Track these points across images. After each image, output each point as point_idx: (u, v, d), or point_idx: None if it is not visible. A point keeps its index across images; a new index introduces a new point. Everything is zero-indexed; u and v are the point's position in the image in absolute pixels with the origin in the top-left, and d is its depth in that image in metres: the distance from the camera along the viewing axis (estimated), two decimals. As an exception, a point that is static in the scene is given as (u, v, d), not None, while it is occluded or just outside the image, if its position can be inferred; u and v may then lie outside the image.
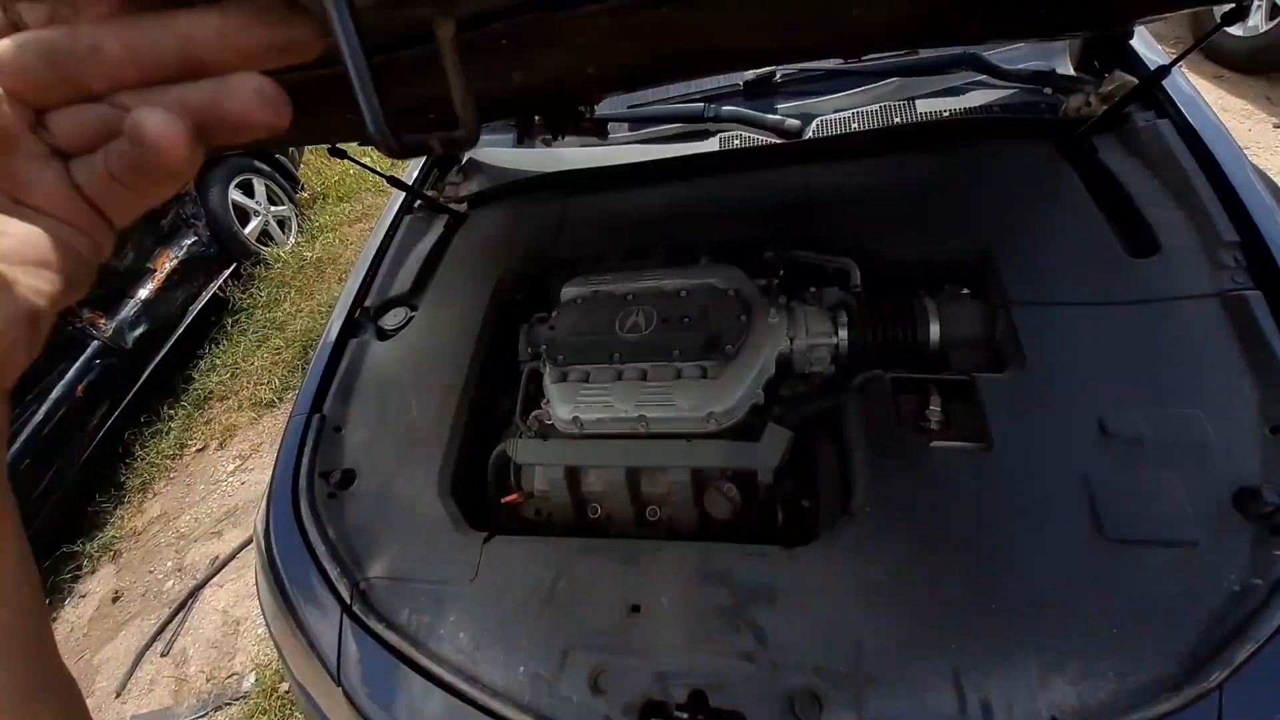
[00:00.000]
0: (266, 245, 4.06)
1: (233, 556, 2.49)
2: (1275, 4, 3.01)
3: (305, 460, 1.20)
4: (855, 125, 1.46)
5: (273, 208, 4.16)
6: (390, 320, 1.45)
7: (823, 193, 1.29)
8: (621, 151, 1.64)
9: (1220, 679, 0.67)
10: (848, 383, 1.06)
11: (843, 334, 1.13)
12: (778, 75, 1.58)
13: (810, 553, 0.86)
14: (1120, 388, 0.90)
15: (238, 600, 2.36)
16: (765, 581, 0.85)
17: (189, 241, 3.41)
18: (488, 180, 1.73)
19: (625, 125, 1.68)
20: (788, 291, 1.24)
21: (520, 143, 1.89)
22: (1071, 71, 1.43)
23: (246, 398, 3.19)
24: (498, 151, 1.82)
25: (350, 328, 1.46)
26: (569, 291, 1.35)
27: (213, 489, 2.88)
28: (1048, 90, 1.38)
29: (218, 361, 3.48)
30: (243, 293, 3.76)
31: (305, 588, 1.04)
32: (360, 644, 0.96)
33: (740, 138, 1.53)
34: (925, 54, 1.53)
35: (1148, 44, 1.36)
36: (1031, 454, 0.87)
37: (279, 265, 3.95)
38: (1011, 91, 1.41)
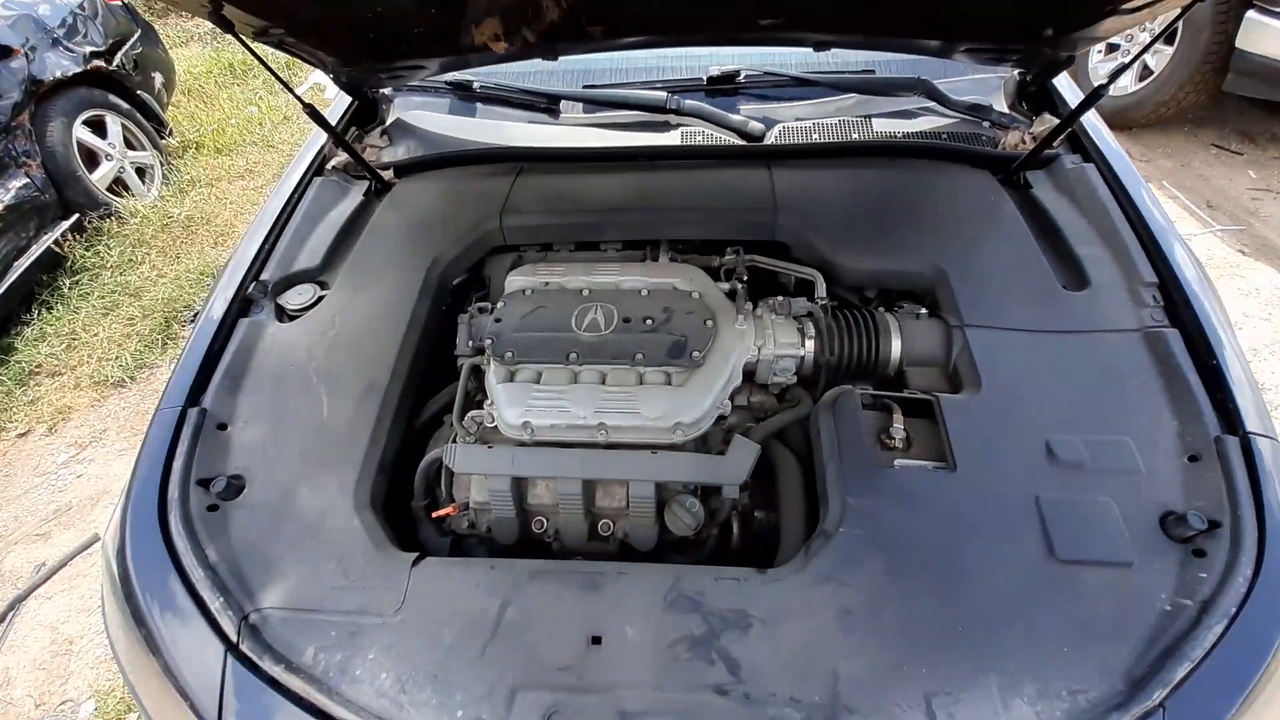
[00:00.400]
0: (121, 196, 3.43)
1: (64, 564, 2.06)
2: (1147, 66, 3.48)
3: (178, 463, 0.97)
4: (816, 135, 1.45)
5: (131, 153, 3.53)
6: (294, 299, 1.23)
7: (787, 200, 1.26)
8: (574, 133, 1.52)
9: (1162, 698, 0.70)
10: (817, 396, 1.04)
11: (809, 345, 1.11)
12: (741, 75, 1.53)
13: (786, 577, 0.82)
14: (1062, 413, 0.94)
15: (69, 615, 1.95)
16: (740, 608, 0.79)
17: (17, 184, 2.79)
18: (419, 147, 1.54)
19: (579, 107, 1.56)
20: (755, 295, 1.20)
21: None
22: (1006, 109, 1.52)
23: (86, 375, 2.66)
24: (431, 116, 1.62)
25: (241, 304, 1.22)
26: (516, 281, 1.22)
27: (38, 482, 2.37)
28: (987, 124, 1.45)
29: (49, 329, 2.88)
30: (87, 250, 3.14)
31: (175, 622, 0.84)
32: (249, 691, 0.79)
33: (702, 134, 1.47)
34: (882, 75, 1.56)
35: (1072, 91, 1.48)
36: (990, 476, 0.89)
37: (137, 221, 3.36)
38: (956, 120, 1.47)
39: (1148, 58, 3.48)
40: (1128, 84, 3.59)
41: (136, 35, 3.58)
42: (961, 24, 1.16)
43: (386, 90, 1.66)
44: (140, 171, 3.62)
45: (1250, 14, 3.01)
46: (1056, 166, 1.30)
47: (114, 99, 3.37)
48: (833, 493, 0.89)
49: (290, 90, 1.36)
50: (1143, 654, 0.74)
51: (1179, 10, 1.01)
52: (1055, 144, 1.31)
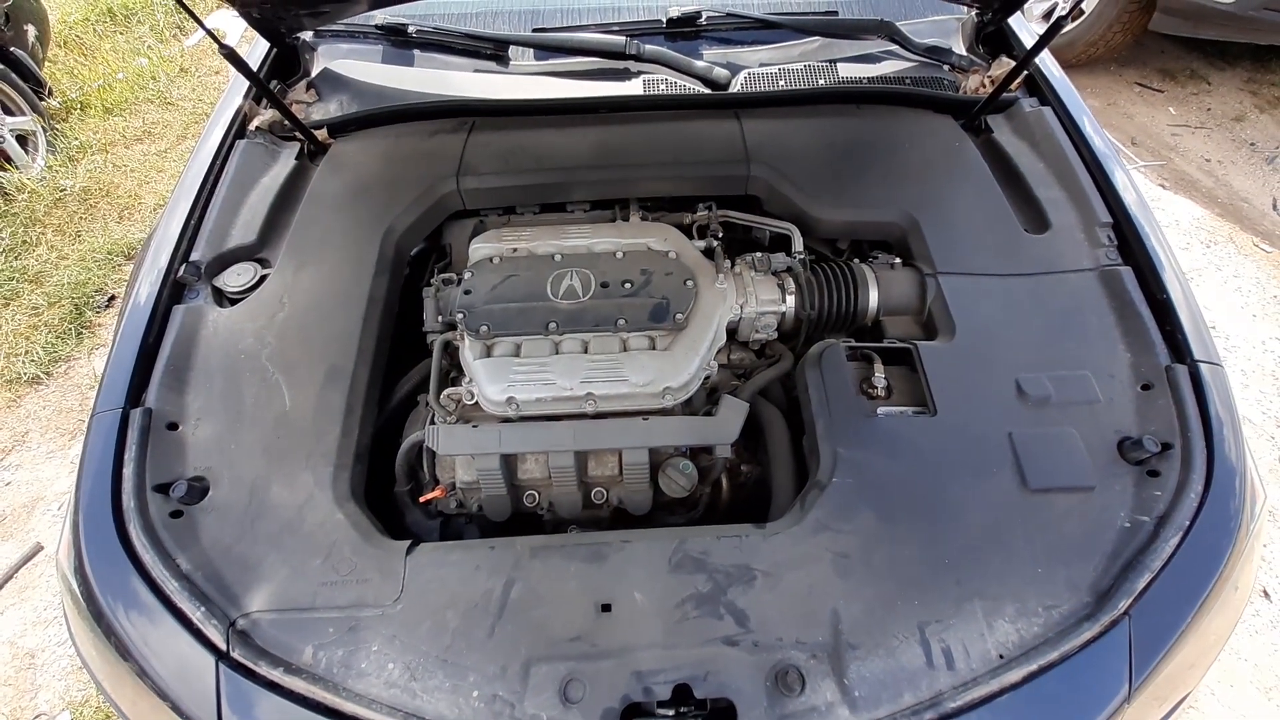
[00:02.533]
0: (3, 170, 3.03)
1: (9, 578, 1.90)
2: (1080, 8, 3.55)
3: (129, 470, 0.89)
4: (782, 82, 1.41)
5: (9, 119, 3.10)
6: (233, 280, 1.12)
7: (758, 152, 1.23)
8: (527, 83, 1.41)
9: (1127, 606, 0.77)
10: (796, 349, 1.04)
11: (790, 301, 1.11)
12: (702, 17, 1.46)
13: (785, 530, 0.84)
14: (1029, 352, 0.99)
15: (26, 628, 1.82)
16: (743, 563, 0.81)
17: None
18: (354, 102, 1.40)
19: (529, 53, 1.45)
20: (729, 253, 1.18)
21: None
22: (964, 51, 1.52)
23: (-7, 373, 2.40)
24: (364, 66, 1.46)
25: (173, 289, 1.10)
26: (482, 249, 1.16)
27: (-48, 495, 2.16)
28: (947, 67, 1.45)
29: (-63, 326, 2.56)
30: (-32, 232, 2.78)
31: (155, 639, 0.79)
32: (249, 697, 0.75)
33: (665, 82, 1.40)
34: (846, 17, 1.52)
35: (1028, 32, 1.49)
36: (967, 417, 0.93)
37: (25, 197, 2.98)
38: (918, 64, 1.46)
39: (1079, -3, 3.56)
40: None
41: (0, -19, 3.07)
42: None
43: (307, 36, 1.49)
44: (21, 140, 3.19)
45: (1177, -47, 3.10)
46: (1015, 110, 1.32)
47: (-20, 56, 2.92)
48: (824, 445, 0.91)
49: (205, 28, 1.18)
50: (1107, 569, 0.80)
51: None
52: (1014, 87, 1.32)
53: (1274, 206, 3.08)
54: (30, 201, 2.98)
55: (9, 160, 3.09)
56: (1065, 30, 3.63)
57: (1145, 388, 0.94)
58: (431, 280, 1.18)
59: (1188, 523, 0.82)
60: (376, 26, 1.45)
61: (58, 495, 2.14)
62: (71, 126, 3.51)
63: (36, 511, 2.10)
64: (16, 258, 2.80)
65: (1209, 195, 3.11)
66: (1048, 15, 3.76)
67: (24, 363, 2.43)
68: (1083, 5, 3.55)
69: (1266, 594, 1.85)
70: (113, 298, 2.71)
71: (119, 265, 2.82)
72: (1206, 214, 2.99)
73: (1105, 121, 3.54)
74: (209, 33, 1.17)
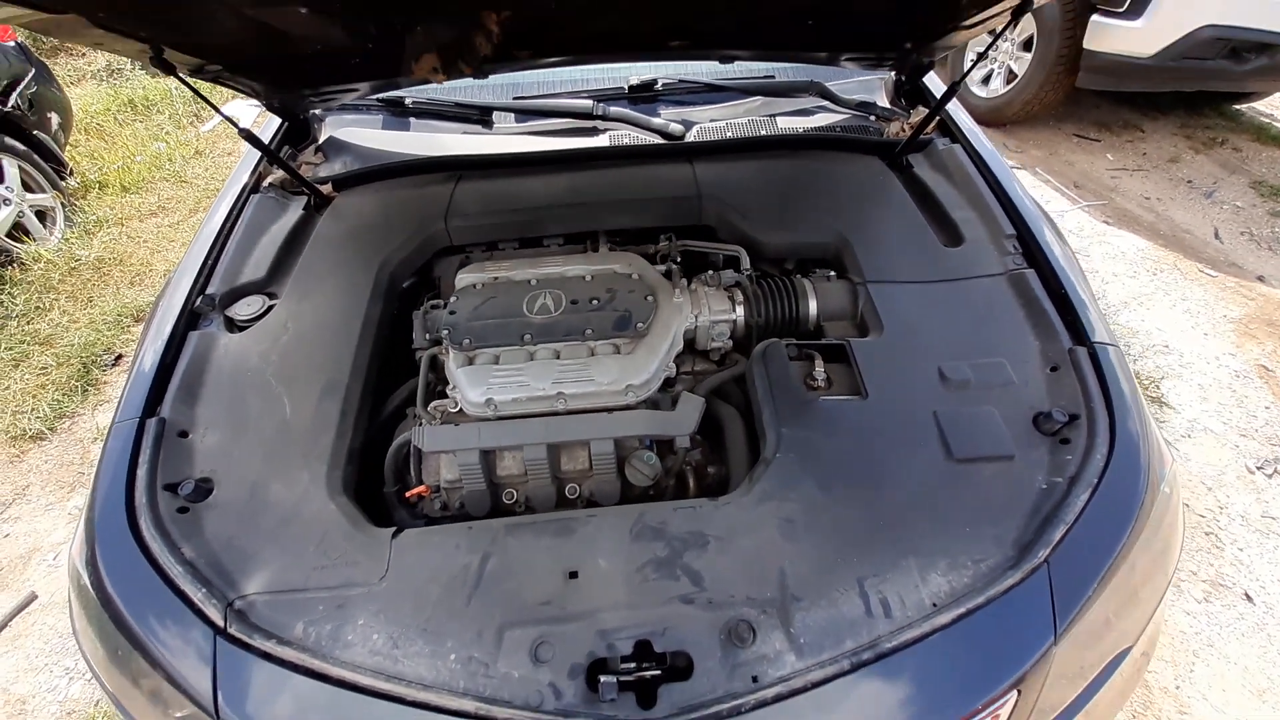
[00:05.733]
0: (20, 242, 3.23)
1: (4, 625, 1.91)
2: (1012, 71, 3.93)
3: (142, 471, 0.98)
4: (729, 133, 1.61)
5: (29, 196, 3.33)
6: (243, 310, 1.25)
7: (710, 188, 1.40)
8: (508, 141, 1.61)
9: (1046, 555, 0.85)
10: (750, 351, 1.16)
11: (740, 310, 1.24)
12: (659, 84, 1.68)
13: (734, 501, 0.93)
14: (949, 345, 1.12)
15: (18, 675, 1.82)
16: (697, 529, 0.89)
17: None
18: (354, 161, 1.59)
19: (511, 117, 1.66)
20: (687, 275, 1.32)
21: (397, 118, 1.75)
22: (887, 104, 1.74)
23: (1, 430, 2.48)
24: (365, 132, 1.67)
25: (189, 318, 1.23)
26: (466, 278, 1.30)
27: (-51, 550, 2.18)
28: (873, 118, 1.66)
29: (-52, 388, 2.66)
30: (-14, 300, 2.94)
31: (158, 618, 0.85)
32: (243, 667, 0.81)
33: (628, 136, 1.60)
34: (781, 79, 1.75)
35: (938, 87, 1.72)
36: (896, 400, 1.04)
37: (41, 266, 3.17)
38: (848, 115, 1.68)
39: (1011, 63, 3.94)
40: (998, 87, 4.04)
41: (30, 75, 3.40)
42: (839, 42, 1.38)
43: (317, 110, 1.70)
44: (41, 215, 3.42)
45: (1095, 17, 3.48)
46: (931, 149, 1.51)
47: (9, 141, 3.18)
48: (769, 427, 1.01)
49: (223, 115, 1.39)
50: (1027, 524, 0.89)
51: (1008, 20, 1.24)
52: (929, 130, 1.52)
53: (1215, 235, 3.31)
54: (46, 270, 3.15)
55: (27, 234, 3.30)
56: (1001, 92, 4.01)
57: (1053, 369, 1.06)
58: (422, 306, 1.31)
59: (1096, 480, 0.91)
60: (378, 99, 1.66)
61: (54, 546, 2.17)
62: (89, 203, 3.75)
63: (33, 562, 2.13)
64: (29, 322, 2.95)
65: (1151, 229, 3.34)
66: (986, 80, 4.16)
67: (30, 419, 2.51)
68: (1015, 69, 3.93)
69: (1249, 597, 1.88)
70: (119, 357, 2.83)
71: (128, 327, 2.96)
72: (1150, 245, 3.21)
73: (1050, 168, 3.84)
74: (228, 119, 1.37)
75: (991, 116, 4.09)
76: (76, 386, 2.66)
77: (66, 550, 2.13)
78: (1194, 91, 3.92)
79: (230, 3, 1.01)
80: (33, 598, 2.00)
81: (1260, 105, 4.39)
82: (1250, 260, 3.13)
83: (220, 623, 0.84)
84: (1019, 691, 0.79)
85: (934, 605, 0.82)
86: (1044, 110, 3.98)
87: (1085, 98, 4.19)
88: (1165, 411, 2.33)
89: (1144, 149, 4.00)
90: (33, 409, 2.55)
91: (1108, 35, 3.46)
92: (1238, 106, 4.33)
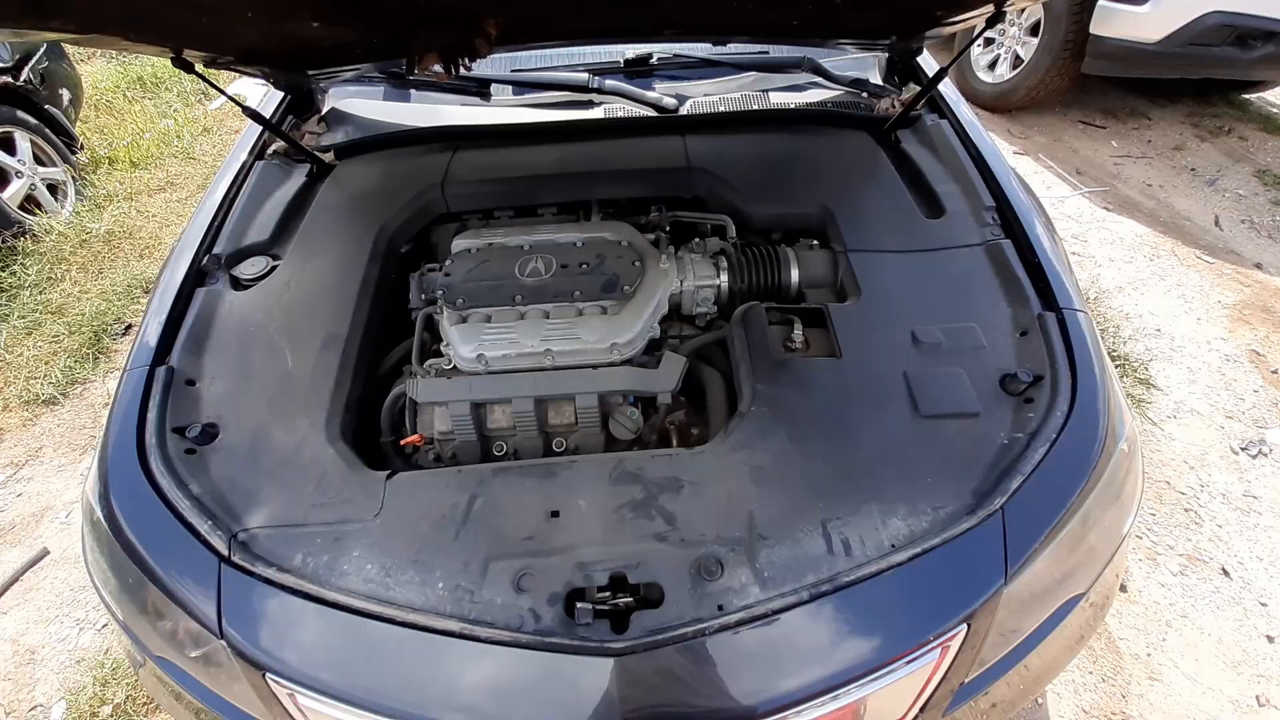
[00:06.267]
0: (33, 214, 3.30)
1: (15, 579, 2.00)
2: (1019, 56, 3.91)
3: (152, 415, 1.04)
4: (722, 108, 1.64)
5: (41, 169, 3.39)
6: (248, 269, 1.30)
7: (699, 160, 1.44)
8: (504, 113, 1.65)
9: (1001, 503, 0.90)
10: (731, 313, 1.21)
11: (724, 277, 1.28)
12: (654, 58, 1.71)
13: (709, 449, 0.98)
14: (924, 310, 1.16)
15: (29, 627, 1.90)
16: (673, 475, 0.94)
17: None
18: (356, 131, 1.63)
19: (508, 89, 1.69)
20: (675, 244, 1.37)
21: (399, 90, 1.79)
22: (880, 81, 1.77)
23: (15, 395, 2.56)
24: (367, 103, 1.71)
25: (197, 276, 1.29)
26: (462, 243, 1.34)
27: (-32, 507, 2.27)
28: (864, 94, 1.68)
29: (-36, 355, 2.74)
30: (2, 270, 3.01)
31: (167, 548, 0.91)
32: (245, 591, 0.87)
33: (622, 109, 1.63)
34: (775, 54, 1.77)
35: (930, 65, 1.74)
36: (868, 360, 1.09)
37: (53, 238, 3.23)
38: (839, 92, 1.70)
39: (1018, 48, 3.92)
40: (1004, 72, 4.02)
41: (42, 50, 3.45)
42: (826, 32, 1.43)
43: (322, 84, 1.74)
44: (52, 188, 3.48)
45: (1101, 2, 3.45)
46: (919, 125, 1.54)
47: (21, 115, 3.24)
48: (745, 382, 1.05)
49: (227, 95, 1.45)
50: (987, 476, 0.93)
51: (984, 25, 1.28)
52: (918, 108, 1.54)
53: (1215, 223, 3.31)
54: (58, 242, 3.22)
55: (39, 206, 3.36)
56: (1007, 78, 3.99)
57: (1022, 334, 1.10)
58: (416, 269, 1.36)
59: (1055, 435, 0.95)
60: (379, 71, 1.70)
61: (66, 505, 2.25)
62: (100, 178, 3.81)
63: (45, 520, 2.21)
64: (41, 292, 3.02)
65: (1151, 215, 3.34)
66: (992, 65, 4.13)
67: (42, 385, 2.59)
68: (1022, 55, 3.91)
69: (1226, 572, 1.92)
70: (129, 326, 2.90)
71: (137, 297, 3.03)
72: (1149, 231, 3.21)
73: (1053, 155, 3.83)
74: (232, 99, 1.42)
75: (997, 103, 4.07)
76: (88, 354, 2.73)
77: (78, 508, 2.22)
78: (1202, 80, 3.89)
79: (248, 18, 1.06)
80: (45, 553, 2.08)
81: (1269, 95, 4.35)
82: (1249, 248, 3.13)
83: (225, 552, 0.90)
84: (968, 626, 0.84)
85: (892, 546, 0.87)
86: (1050, 97, 3.96)
87: (1094, 85, 4.16)
88: (1152, 393, 2.36)
89: (1149, 136, 3.99)
90: (45, 375, 2.63)
91: (1114, 20, 3.44)
92: (1246, 96, 4.30)
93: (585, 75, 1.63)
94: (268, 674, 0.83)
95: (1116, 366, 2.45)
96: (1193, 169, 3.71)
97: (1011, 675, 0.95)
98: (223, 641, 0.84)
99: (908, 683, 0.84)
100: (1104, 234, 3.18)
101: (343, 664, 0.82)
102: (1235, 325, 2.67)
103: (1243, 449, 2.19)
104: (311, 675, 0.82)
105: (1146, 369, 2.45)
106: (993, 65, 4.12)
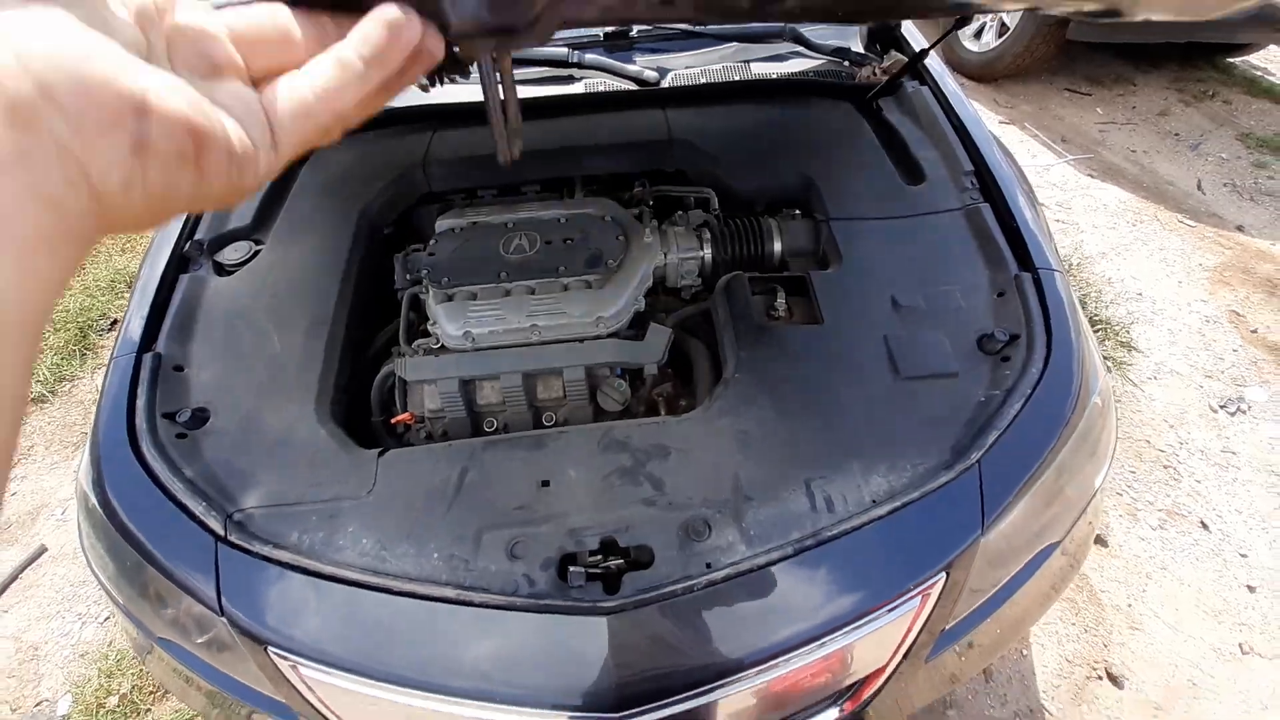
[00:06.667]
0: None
1: (14, 577, 2.01)
2: (1004, 24, 3.88)
3: (141, 401, 1.05)
4: (704, 79, 1.63)
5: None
6: (231, 255, 1.30)
7: (681, 133, 1.44)
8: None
9: (978, 457, 0.92)
10: (715, 284, 1.22)
11: (707, 249, 1.29)
12: (634, 31, 1.69)
13: (695, 416, 1.00)
14: (904, 275, 1.17)
15: (30, 623, 1.92)
16: (660, 442, 0.96)
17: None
18: (335, 115, 1.62)
19: (486, 65, 1.68)
20: (658, 218, 1.37)
21: None
22: (862, 49, 1.76)
23: (2, 393, 2.54)
24: (344, 86, 1.69)
25: (180, 263, 1.28)
26: (445, 223, 1.34)
27: (-40, 508, 2.27)
28: (846, 63, 1.68)
29: (-53, 355, 2.71)
30: (-21, 268, 2.96)
31: (163, 531, 0.93)
32: (243, 568, 0.89)
33: (603, 83, 1.62)
34: (756, 26, 1.76)
35: (912, 34, 1.73)
36: (850, 325, 1.10)
37: (32, 235, 3.18)
38: (820, 62, 1.70)
39: (1004, 16, 3.90)
40: (990, 40, 4.00)
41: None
42: (800, 17, 1.41)
43: None
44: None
45: (1082, -34, 3.42)
46: (901, 93, 1.54)
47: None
48: (729, 350, 1.07)
49: None
50: (964, 432, 0.96)
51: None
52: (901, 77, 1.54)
53: (1198, 187, 3.33)
54: (38, 240, 3.18)
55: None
56: (993, 46, 3.97)
57: (1000, 295, 1.12)
58: (400, 250, 1.36)
59: (1030, 391, 0.98)
60: None
61: (61, 502, 2.26)
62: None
63: (41, 517, 2.22)
64: (24, 291, 2.99)
65: (1135, 181, 3.36)
66: (977, 34, 4.11)
67: (31, 384, 2.57)
68: (1008, 22, 3.89)
69: (1205, 525, 1.98)
70: (114, 321, 2.88)
71: (121, 292, 3.00)
72: (1132, 197, 3.24)
73: (1039, 123, 3.83)
74: None
75: (983, 71, 4.06)
76: (74, 351, 2.72)
77: (74, 505, 2.22)
78: (1188, 44, 3.89)
79: None
80: (42, 550, 2.09)
81: (1254, 58, 4.35)
82: (1231, 211, 3.16)
83: (221, 532, 0.91)
84: (947, 575, 0.87)
85: (873, 501, 0.89)
86: (1036, 64, 3.94)
87: (1079, 52, 4.15)
88: (1134, 355, 2.41)
89: (1134, 103, 3.99)
90: (33, 373, 2.61)
91: (1098, -16, 3.42)
92: (1231, 59, 4.30)
93: (565, 50, 1.62)
94: (270, 648, 0.86)
95: (1098, 331, 2.49)
96: (1176, 134, 3.72)
97: (990, 622, 0.99)
98: (223, 619, 0.86)
99: (890, 630, 0.88)
100: (1088, 201, 3.20)
101: (343, 635, 0.84)
102: (1216, 287, 2.71)
103: (1221, 406, 2.24)
104: (313, 647, 0.84)
105: (1128, 332, 2.48)
106: (979, 34, 4.10)
